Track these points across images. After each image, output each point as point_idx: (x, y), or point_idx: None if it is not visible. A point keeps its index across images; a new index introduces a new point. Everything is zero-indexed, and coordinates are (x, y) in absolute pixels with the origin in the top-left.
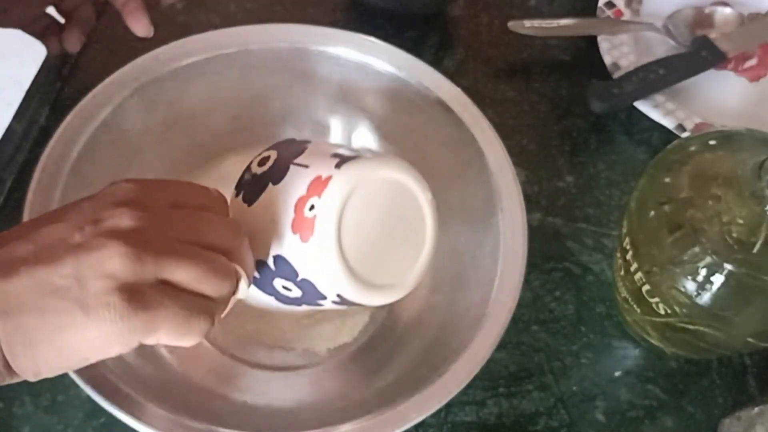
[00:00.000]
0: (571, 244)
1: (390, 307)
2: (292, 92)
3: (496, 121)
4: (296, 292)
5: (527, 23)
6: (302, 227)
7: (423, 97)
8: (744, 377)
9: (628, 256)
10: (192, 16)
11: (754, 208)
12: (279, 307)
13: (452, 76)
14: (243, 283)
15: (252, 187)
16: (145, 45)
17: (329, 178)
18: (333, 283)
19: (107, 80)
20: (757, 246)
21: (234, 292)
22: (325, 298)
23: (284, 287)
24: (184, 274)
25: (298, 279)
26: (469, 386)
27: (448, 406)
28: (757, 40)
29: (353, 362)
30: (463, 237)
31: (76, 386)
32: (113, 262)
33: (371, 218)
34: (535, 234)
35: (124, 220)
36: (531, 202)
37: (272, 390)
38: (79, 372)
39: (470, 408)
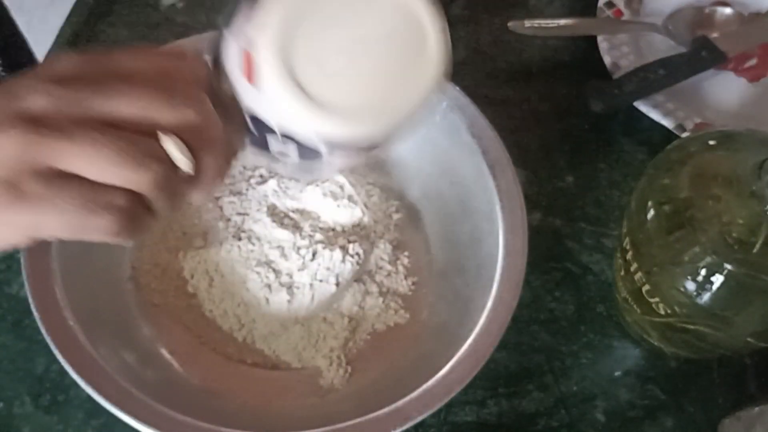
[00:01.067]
0: (571, 244)
1: (390, 308)
2: None
3: (496, 121)
4: (293, 153)
5: (527, 23)
6: (248, 67)
7: None
8: (744, 377)
9: (628, 256)
10: (192, 16)
11: (754, 208)
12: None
13: (452, 76)
14: (174, 151)
15: (218, 41)
16: (145, 45)
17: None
18: (302, 124)
19: None
20: (757, 246)
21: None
22: (318, 150)
23: (280, 153)
24: (81, 164)
25: (279, 135)
26: (469, 386)
27: (448, 406)
28: (757, 40)
29: (353, 362)
30: (463, 237)
31: (76, 386)
32: None
33: (336, 33)
34: (535, 234)
35: (36, 100)
36: (531, 202)
37: (272, 390)
38: (80, 372)
39: (470, 408)
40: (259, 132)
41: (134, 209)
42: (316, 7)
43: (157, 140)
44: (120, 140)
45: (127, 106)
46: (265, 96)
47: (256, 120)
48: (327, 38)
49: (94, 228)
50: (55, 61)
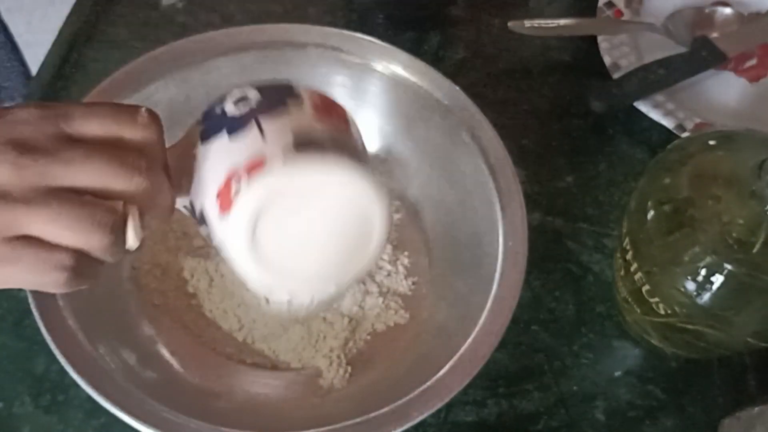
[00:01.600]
0: (571, 244)
1: (390, 308)
2: None
3: (496, 121)
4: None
5: (527, 23)
6: (224, 200)
7: (423, 98)
8: (744, 377)
9: (628, 256)
10: (192, 16)
11: (754, 208)
12: None
13: (452, 76)
14: (130, 230)
15: (213, 123)
16: (145, 45)
17: (268, 162)
18: (238, 268)
19: (107, 80)
20: (757, 246)
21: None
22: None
23: (207, 236)
24: (40, 229)
25: (214, 242)
26: (469, 386)
27: (449, 406)
28: (757, 40)
29: (353, 362)
30: (463, 237)
31: (76, 386)
32: None
33: (302, 219)
34: (535, 234)
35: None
36: (531, 202)
37: (272, 390)
38: (80, 372)
39: (470, 408)
40: (201, 220)
41: (81, 266)
42: (293, 188)
43: (113, 205)
44: (75, 208)
45: (84, 176)
46: (225, 227)
47: (205, 216)
48: (290, 223)
49: (47, 284)
50: (14, 119)
